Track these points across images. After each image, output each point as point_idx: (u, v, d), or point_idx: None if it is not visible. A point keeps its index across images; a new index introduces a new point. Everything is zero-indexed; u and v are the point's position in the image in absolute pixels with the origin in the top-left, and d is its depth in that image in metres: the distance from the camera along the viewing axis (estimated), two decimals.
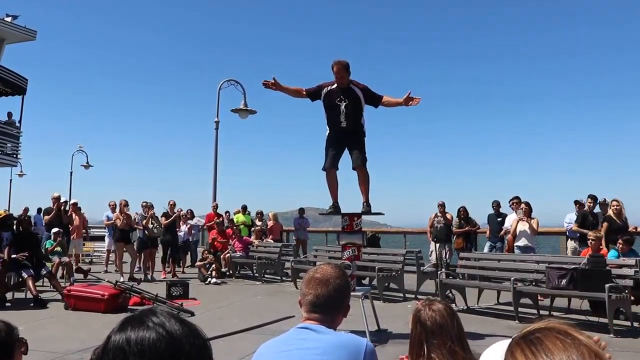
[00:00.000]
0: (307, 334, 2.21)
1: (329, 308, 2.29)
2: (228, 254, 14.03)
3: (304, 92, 6.90)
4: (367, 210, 6.98)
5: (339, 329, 2.35)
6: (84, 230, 15.23)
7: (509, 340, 1.13)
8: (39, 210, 16.93)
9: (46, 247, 11.83)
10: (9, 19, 21.79)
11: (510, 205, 11.48)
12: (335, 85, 6.73)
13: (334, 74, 6.68)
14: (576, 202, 11.48)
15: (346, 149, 6.92)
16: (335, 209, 7.06)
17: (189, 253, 16.16)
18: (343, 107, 6.68)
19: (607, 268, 7.69)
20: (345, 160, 6.98)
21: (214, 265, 13.34)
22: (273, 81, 6.74)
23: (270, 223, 16.44)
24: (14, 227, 11.24)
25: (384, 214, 7.39)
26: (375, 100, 6.79)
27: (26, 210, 17.96)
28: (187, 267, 15.61)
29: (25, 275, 9.59)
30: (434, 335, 2.42)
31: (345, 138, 6.87)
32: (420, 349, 2.43)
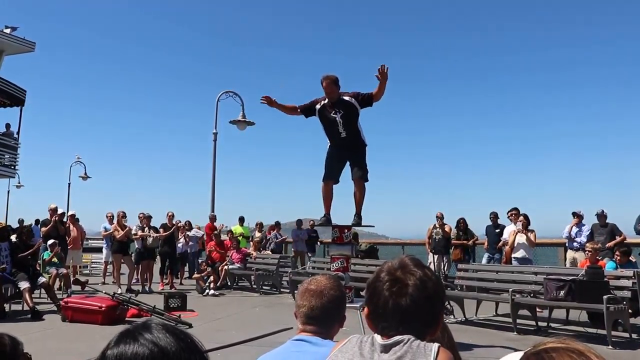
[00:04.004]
0: (303, 346, 2.21)
1: (324, 319, 2.29)
2: (226, 266, 14.00)
3: (298, 110, 6.98)
4: (358, 222, 7.02)
5: (337, 339, 2.34)
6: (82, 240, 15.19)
7: (520, 354, 1.11)
8: (37, 221, 16.91)
9: (43, 258, 11.80)
10: (8, 31, 21.83)
11: (508, 217, 11.47)
12: (327, 99, 6.78)
13: (324, 89, 6.72)
14: (574, 214, 11.49)
15: (347, 162, 6.93)
16: (327, 220, 7.08)
17: (187, 264, 16.12)
18: (339, 117, 6.70)
19: (605, 279, 7.70)
20: (346, 174, 7.00)
21: (211, 277, 13.31)
22: (272, 99, 6.89)
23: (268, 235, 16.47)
24: (15, 237, 11.22)
25: (374, 226, 7.44)
26: (368, 100, 6.75)
27: (21, 221, 17.95)
28: (185, 278, 15.57)
29: (22, 286, 9.55)
30: None
31: (347, 149, 6.88)
32: None
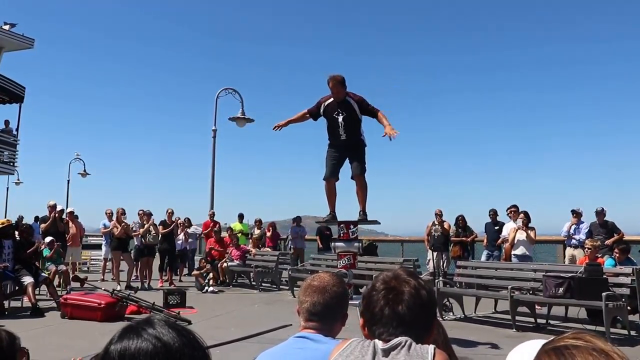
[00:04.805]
0: (305, 343, 2.21)
1: (326, 316, 2.29)
2: (225, 263, 14.00)
3: (308, 115, 7.03)
4: (363, 218, 7.01)
5: (338, 337, 2.35)
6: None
7: (535, 343, 1.08)
8: (36, 218, 16.90)
9: (43, 255, 11.79)
10: (6, 27, 21.78)
11: (507, 214, 11.48)
12: (332, 99, 6.80)
13: (330, 89, 6.75)
14: (573, 212, 11.50)
15: (347, 160, 6.95)
16: (332, 218, 7.10)
17: (187, 261, 16.11)
18: (341, 119, 6.74)
19: (604, 277, 7.70)
20: (345, 170, 7.02)
21: (211, 274, 13.31)
22: (281, 123, 7.17)
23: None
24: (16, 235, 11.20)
25: (379, 223, 7.39)
26: (370, 114, 6.80)
27: (21, 218, 17.93)
28: (185, 275, 15.57)
29: (25, 282, 9.53)
30: None
31: (346, 150, 6.91)
32: None
